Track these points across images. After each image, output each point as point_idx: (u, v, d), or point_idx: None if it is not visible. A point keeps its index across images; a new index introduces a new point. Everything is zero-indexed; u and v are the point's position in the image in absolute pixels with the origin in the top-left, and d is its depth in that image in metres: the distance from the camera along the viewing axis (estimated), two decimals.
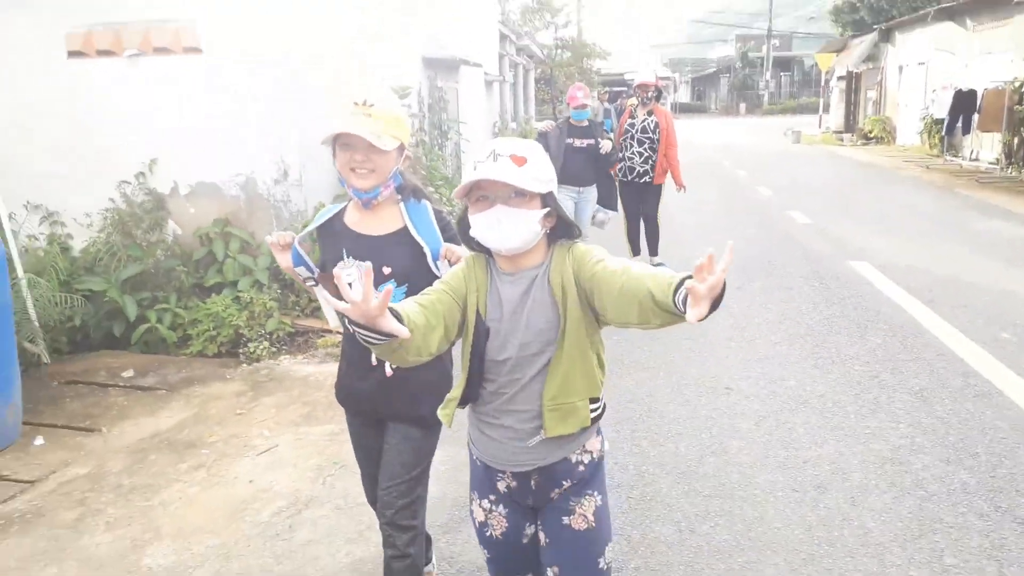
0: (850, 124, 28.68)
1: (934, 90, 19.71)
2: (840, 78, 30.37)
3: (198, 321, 5.79)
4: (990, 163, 16.82)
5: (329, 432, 4.15)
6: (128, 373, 5.16)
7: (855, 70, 28.14)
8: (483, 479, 1.94)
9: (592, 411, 1.82)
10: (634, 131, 7.46)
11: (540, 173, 1.73)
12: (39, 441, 4.10)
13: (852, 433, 3.97)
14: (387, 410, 2.35)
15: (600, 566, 1.89)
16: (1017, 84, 15.62)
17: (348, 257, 2.24)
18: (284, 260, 2.36)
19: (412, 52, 9.79)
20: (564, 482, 1.85)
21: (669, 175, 7.45)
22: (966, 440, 3.83)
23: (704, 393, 4.58)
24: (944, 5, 20.47)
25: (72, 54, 6.47)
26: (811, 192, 13.57)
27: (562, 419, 1.78)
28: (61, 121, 6.38)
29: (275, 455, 3.93)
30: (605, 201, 7.23)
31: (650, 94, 7.46)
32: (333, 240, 2.31)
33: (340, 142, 2.16)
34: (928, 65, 21.67)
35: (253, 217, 6.53)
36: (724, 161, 19.81)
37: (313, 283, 2.42)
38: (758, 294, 6.72)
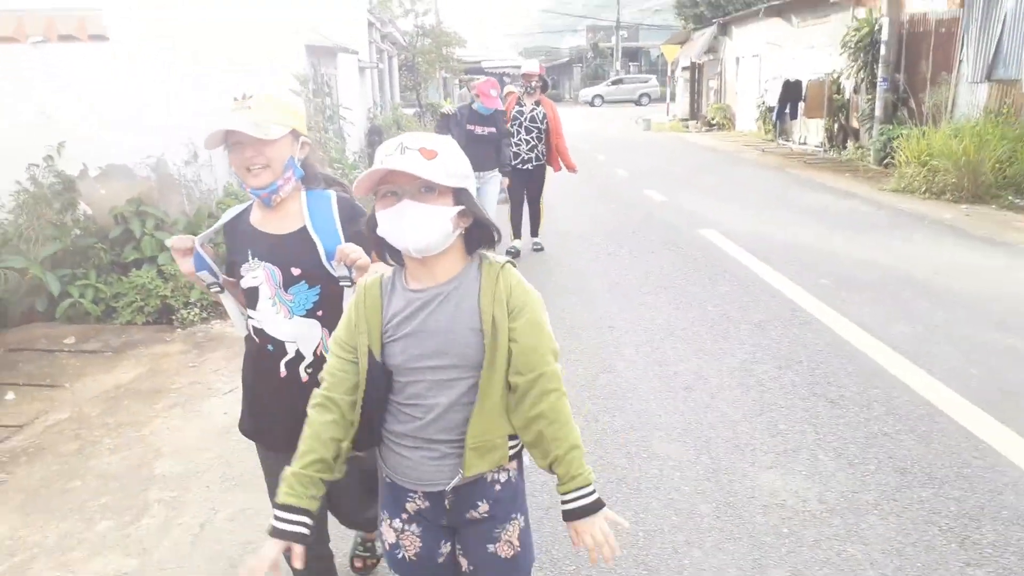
0: (695, 112, 30.86)
1: (766, 80, 21.81)
2: (684, 68, 32.53)
3: (122, 294, 6.16)
4: (816, 146, 18.95)
5: None
6: (69, 340, 5.53)
7: (698, 61, 30.28)
8: (394, 499, 1.82)
9: (511, 448, 1.75)
10: (523, 119, 7.70)
11: (452, 168, 1.63)
12: (10, 396, 4.50)
13: (709, 352, 5.02)
14: None
15: None
16: (835, 76, 17.72)
17: (253, 258, 2.11)
18: (186, 265, 2.17)
19: (296, 40, 10.24)
20: (479, 503, 1.77)
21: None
22: (793, 353, 4.95)
23: (593, 331, 5.52)
24: (773, 3, 22.53)
25: None
26: (664, 174, 14.98)
27: (481, 457, 1.70)
28: None
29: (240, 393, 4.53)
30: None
31: (534, 83, 7.76)
32: (238, 240, 2.17)
33: (230, 142, 2.05)
34: (761, 57, 23.82)
35: (165, 197, 6.91)
36: (583, 146, 21.13)
37: (218, 289, 2.24)
38: (626, 257, 7.77)
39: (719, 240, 8.43)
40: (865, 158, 15.62)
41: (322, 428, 1.71)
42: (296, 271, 2.08)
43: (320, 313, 2.11)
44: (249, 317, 2.14)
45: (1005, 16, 12.17)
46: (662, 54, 39.01)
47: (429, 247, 1.62)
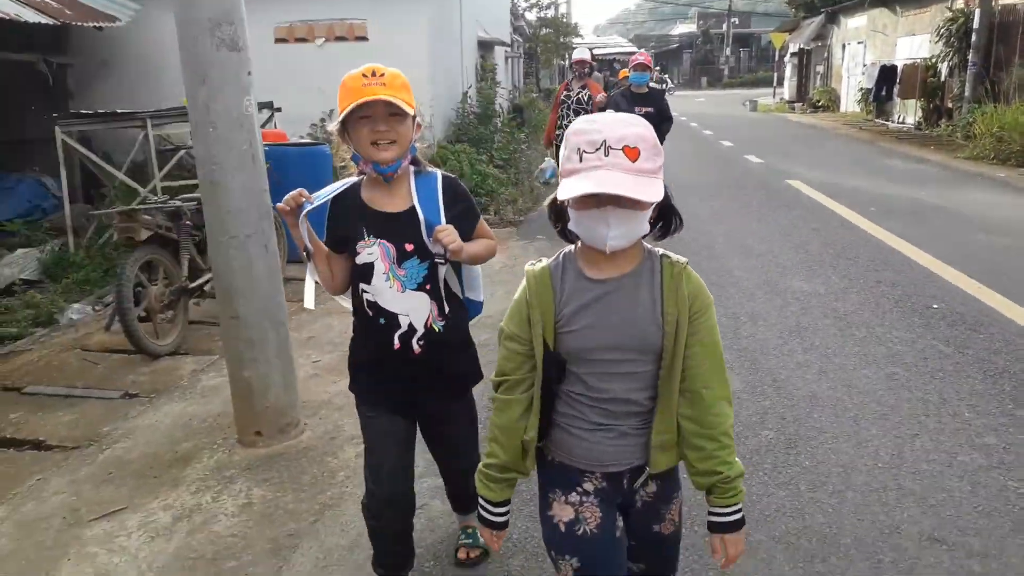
0: (801, 95, 32.39)
1: (865, 65, 23.52)
2: (793, 54, 34.04)
3: None
4: (912, 125, 20.65)
5: None
6: None
7: (806, 47, 31.83)
8: (565, 478, 1.77)
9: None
10: (570, 102, 8.31)
11: (654, 162, 1.53)
12: None
13: (784, 244, 7.54)
14: (437, 393, 2.37)
15: (677, 556, 1.96)
16: (931, 60, 19.41)
17: (369, 236, 2.17)
18: (293, 223, 2.21)
19: (470, 35, 13.20)
20: (651, 482, 1.78)
21: None
22: (846, 247, 7.40)
23: (702, 239, 8.09)
24: None
25: (278, 40, 9.79)
26: (762, 144, 17.21)
27: (664, 452, 1.72)
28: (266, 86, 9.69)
29: None
30: None
31: (586, 70, 8.46)
32: (350, 217, 2.21)
33: (357, 116, 2.07)
34: (866, 43, 25.43)
35: None
36: (692, 124, 23.45)
37: (307, 256, 2.31)
38: (728, 201, 10.26)
39: (800, 186, 10.84)
40: (954, 134, 17.33)
41: (504, 430, 1.75)
42: (410, 247, 2.16)
43: (428, 287, 2.21)
44: (363, 291, 2.21)
45: None
46: (771, 41, 40.39)
47: (627, 246, 1.59)
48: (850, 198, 9.73)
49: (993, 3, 16.55)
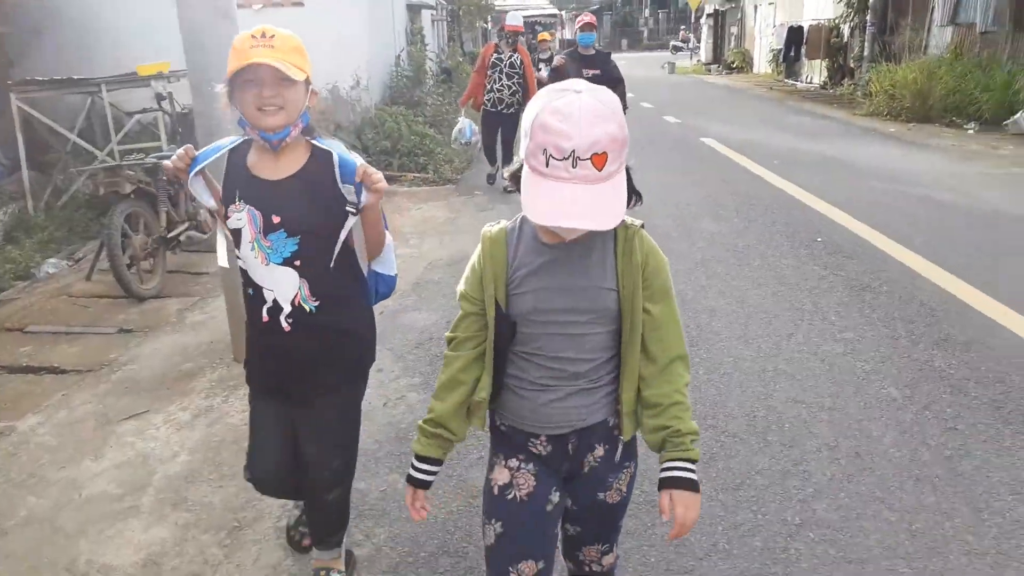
0: (717, 56, 33.66)
1: (774, 26, 24.72)
2: (708, 16, 35.26)
3: None
4: (819, 84, 21.94)
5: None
6: None
7: (720, 8, 33.01)
8: (510, 443, 1.79)
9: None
10: (502, 66, 8.54)
11: (620, 160, 1.53)
12: None
13: (692, 184, 8.41)
14: (306, 382, 2.19)
15: (620, 526, 1.92)
16: (835, 22, 20.62)
17: (240, 200, 2.06)
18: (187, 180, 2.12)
19: (400, 1, 13.62)
20: (597, 446, 1.75)
21: None
22: (751, 193, 8.31)
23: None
24: None
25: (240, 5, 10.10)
26: (680, 105, 18.18)
27: (631, 421, 1.74)
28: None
29: None
30: None
31: (520, 37, 8.87)
32: (230, 178, 2.12)
33: (242, 79, 1.96)
34: (776, 4, 26.64)
35: (337, 111, 10.40)
36: None
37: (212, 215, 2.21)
38: (649, 157, 11.09)
39: (713, 143, 11.79)
40: (855, 92, 18.60)
41: (444, 385, 1.76)
42: (276, 219, 2.04)
43: (298, 263, 2.08)
44: (238, 257, 2.12)
45: None
46: (688, 3, 41.45)
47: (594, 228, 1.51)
48: (757, 153, 10.70)
49: None
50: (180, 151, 2.10)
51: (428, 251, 6.23)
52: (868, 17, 18.09)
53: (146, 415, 3.74)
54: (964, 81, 13.86)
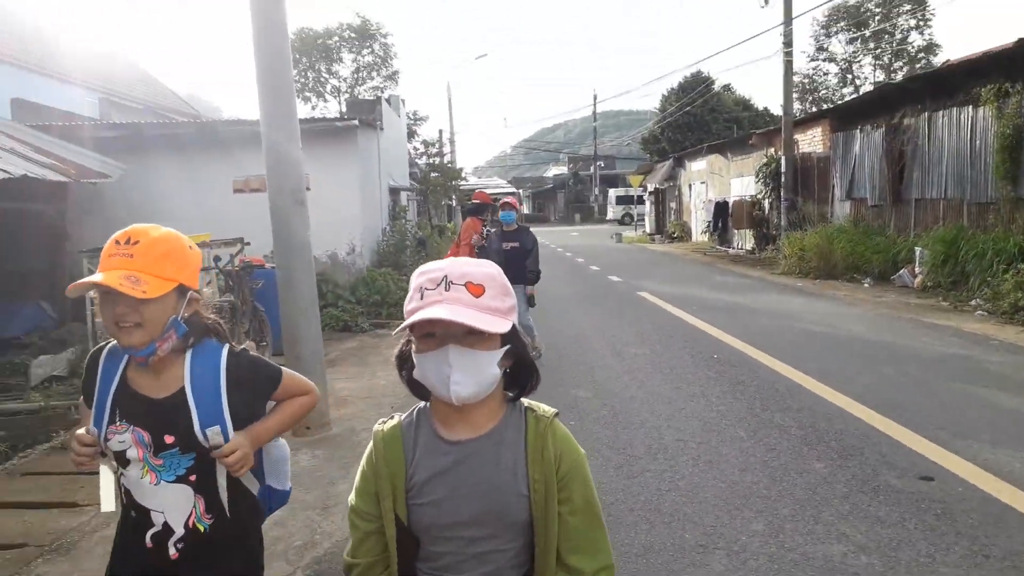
0: (660, 227, 37.17)
1: (704, 202, 28.17)
2: (650, 193, 39.22)
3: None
4: (747, 250, 24.95)
5: None
6: None
7: (660, 187, 36.90)
8: None
9: None
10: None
11: (501, 302, 1.45)
12: None
13: (628, 328, 10.51)
14: None
15: None
16: (757, 197, 23.89)
17: (121, 420, 1.87)
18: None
19: (384, 186, 16.21)
20: None
21: None
22: (673, 333, 10.43)
23: (571, 327, 10.96)
24: (713, 143, 29.30)
25: (236, 191, 12.41)
26: (623, 267, 20.81)
27: None
28: (229, 221, 12.25)
29: None
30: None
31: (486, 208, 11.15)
32: (102, 385, 1.92)
33: (100, 291, 1.78)
34: (707, 183, 30.27)
35: (336, 273, 12.54)
36: (567, 253, 27.18)
37: (100, 453, 1.93)
38: (593, 306, 13.34)
39: (647, 296, 14.15)
40: (776, 256, 21.46)
41: None
42: (169, 439, 1.86)
43: (193, 478, 1.90)
44: (120, 474, 1.92)
45: (855, 156, 18.24)
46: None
47: (475, 396, 1.44)
48: (681, 302, 13.00)
49: (796, 151, 21.10)
50: (80, 432, 1.92)
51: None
52: (782, 193, 21.28)
53: None
54: (857, 245, 16.63)
